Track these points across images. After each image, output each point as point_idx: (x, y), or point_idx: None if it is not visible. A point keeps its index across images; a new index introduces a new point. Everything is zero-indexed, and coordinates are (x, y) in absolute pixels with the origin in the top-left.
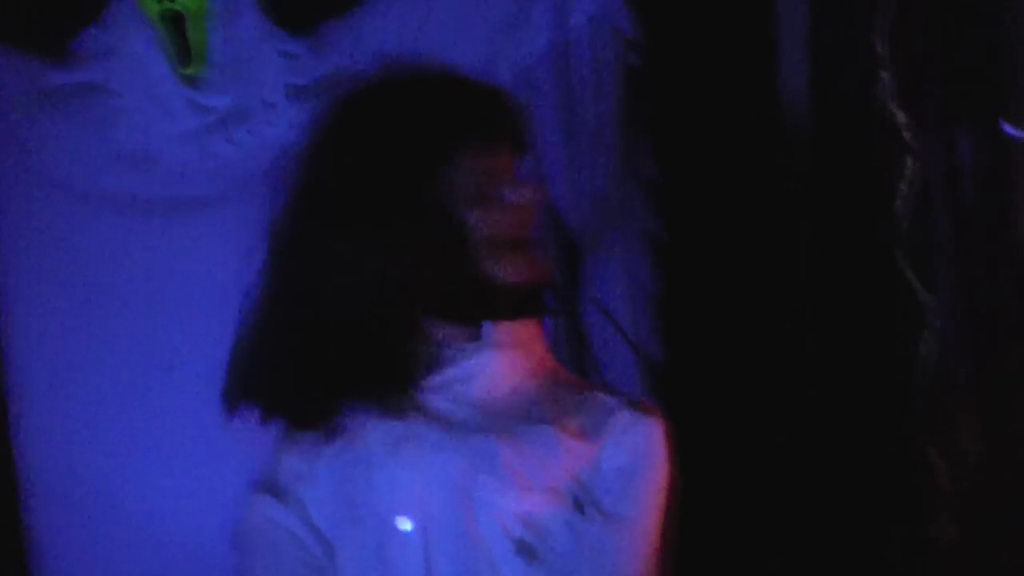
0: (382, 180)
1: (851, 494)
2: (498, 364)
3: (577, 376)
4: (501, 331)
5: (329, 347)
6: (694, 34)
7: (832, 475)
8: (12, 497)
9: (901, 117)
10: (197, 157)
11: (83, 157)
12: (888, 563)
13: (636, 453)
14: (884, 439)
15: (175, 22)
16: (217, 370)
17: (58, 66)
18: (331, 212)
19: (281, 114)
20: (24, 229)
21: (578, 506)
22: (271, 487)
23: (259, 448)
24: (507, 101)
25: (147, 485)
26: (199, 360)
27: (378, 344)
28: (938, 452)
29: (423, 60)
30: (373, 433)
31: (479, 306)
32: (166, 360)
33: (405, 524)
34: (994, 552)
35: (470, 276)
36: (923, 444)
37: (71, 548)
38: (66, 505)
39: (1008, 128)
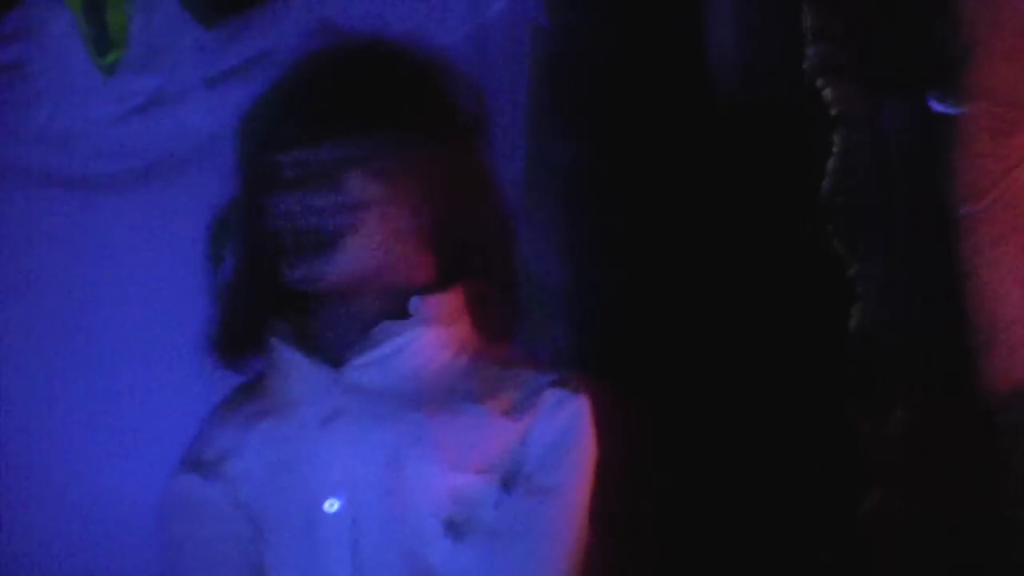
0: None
1: (780, 465)
2: (427, 339)
3: (505, 351)
4: (429, 305)
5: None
6: (617, 13)
7: (760, 446)
8: None
9: (828, 92)
10: (117, 140)
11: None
12: (817, 532)
13: (564, 430)
14: (813, 410)
15: (95, 8)
16: (133, 344)
17: None
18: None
19: (200, 101)
20: None
21: (507, 484)
22: (198, 463)
23: None
24: (331, 98)
25: (97, 463)
26: (111, 335)
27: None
28: (867, 422)
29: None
30: (304, 409)
31: (289, 305)
32: (81, 335)
33: (333, 505)
34: (921, 521)
35: (270, 275)
36: (852, 415)
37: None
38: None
39: (935, 104)
